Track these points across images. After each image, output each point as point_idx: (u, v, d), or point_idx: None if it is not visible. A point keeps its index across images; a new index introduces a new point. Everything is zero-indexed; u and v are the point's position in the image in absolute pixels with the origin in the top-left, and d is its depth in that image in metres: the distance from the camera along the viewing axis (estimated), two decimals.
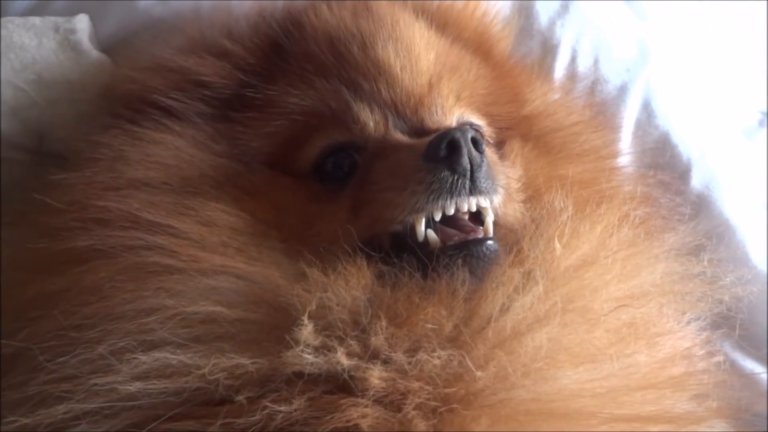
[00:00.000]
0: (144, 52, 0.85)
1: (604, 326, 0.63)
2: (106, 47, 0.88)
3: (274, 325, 0.59)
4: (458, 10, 0.87)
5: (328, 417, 0.54)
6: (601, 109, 0.99)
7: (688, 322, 0.75)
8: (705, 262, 0.78)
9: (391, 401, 0.56)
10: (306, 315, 0.57)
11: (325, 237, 0.68)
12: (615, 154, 0.94)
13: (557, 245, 0.66)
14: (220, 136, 0.74)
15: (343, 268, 0.61)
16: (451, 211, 0.64)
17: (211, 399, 0.57)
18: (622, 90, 1.02)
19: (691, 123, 1.03)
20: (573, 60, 1.02)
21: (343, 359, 0.56)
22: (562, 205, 0.71)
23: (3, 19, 0.82)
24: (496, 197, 0.67)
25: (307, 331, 0.57)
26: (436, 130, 0.71)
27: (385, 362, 0.57)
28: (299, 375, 0.56)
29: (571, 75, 1.02)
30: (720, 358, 0.80)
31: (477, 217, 0.67)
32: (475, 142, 0.65)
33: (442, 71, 0.77)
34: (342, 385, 0.57)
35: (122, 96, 0.78)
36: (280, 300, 0.60)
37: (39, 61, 0.79)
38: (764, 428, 0.90)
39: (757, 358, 0.93)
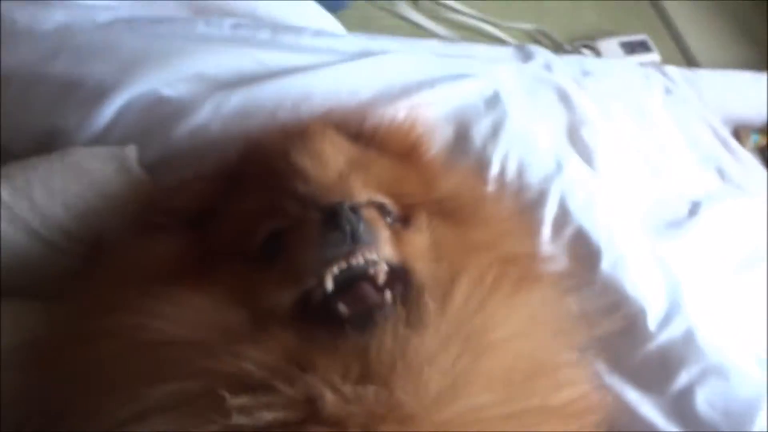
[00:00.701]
0: (175, 174, 1.11)
1: (499, 357, 0.75)
2: (148, 169, 1.12)
3: (216, 394, 0.68)
4: (385, 129, 1.08)
5: None
6: (524, 209, 1.23)
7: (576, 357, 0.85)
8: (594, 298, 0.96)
9: (340, 425, 0.67)
10: (230, 382, 0.68)
11: (266, 301, 0.80)
12: (524, 225, 1.13)
13: (428, 300, 0.78)
14: (192, 242, 0.93)
15: (268, 333, 0.74)
16: (344, 265, 0.78)
17: None
18: (542, 194, 1.25)
19: (599, 216, 1.25)
20: (502, 171, 1.27)
21: (267, 414, 0.66)
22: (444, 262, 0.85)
23: (73, 149, 1.07)
24: (380, 247, 0.81)
25: (236, 398, 0.67)
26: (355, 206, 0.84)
27: (334, 391, 0.68)
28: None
29: (501, 183, 1.26)
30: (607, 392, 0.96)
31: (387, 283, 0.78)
32: (353, 209, 0.80)
33: (351, 168, 0.92)
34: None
35: (136, 213, 1.02)
36: (215, 368, 0.70)
37: (101, 181, 1.03)
38: None
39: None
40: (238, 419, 0.65)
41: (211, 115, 1.18)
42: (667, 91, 1.77)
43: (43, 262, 1.01)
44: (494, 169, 1.27)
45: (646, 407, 1.11)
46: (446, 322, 0.77)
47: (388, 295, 0.80)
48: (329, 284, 0.77)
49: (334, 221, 0.78)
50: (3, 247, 1.01)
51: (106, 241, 1.03)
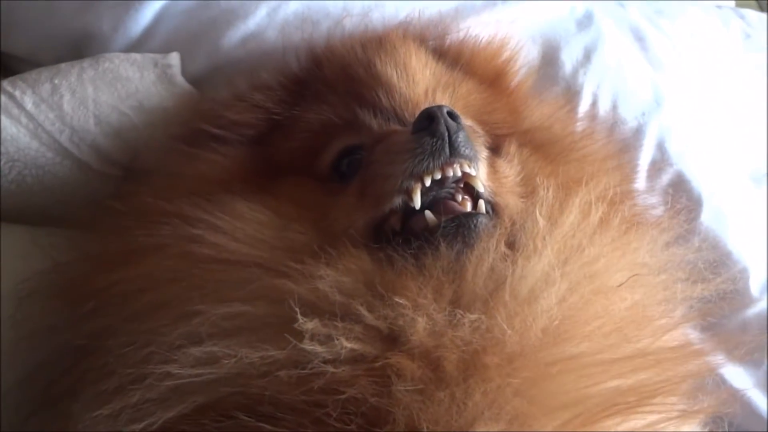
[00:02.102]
0: (222, 88, 0.98)
1: (607, 304, 0.67)
2: (193, 81, 1.00)
3: (286, 318, 0.62)
4: (471, 49, 0.97)
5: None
6: (621, 146, 1.08)
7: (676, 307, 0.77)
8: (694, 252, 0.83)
9: (430, 357, 0.60)
10: (302, 305, 0.61)
11: (338, 224, 0.74)
12: (622, 167, 1.01)
13: (539, 217, 0.70)
14: (254, 156, 0.86)
15: (342, 254, 0.67)
16: (438, 176, 0.70)
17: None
18: (638, 131, 1.11)
19: (702, 163, 1.12)
20: (594, 104, 1.12)
21: (345, 343, 0.60)
22: (547, 188, 0.75)
23: (108, 55, 0.96)
24: (479, 165, 0.74)
25: (310, 322, 0.61)
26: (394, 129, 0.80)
27: (429, 317, 0.61)
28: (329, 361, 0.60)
29: (592, 116, 1.11)
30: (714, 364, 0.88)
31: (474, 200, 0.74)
32: (452, 115, 0.71)
33: (437, 85, 0.86)
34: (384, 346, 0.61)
35: (183, 125, 0.92)
36: (285, 289, 0.64)
37: (141, 91, 0.92)
38: None
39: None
40: (311, 346, 0.59)
41: (266, 20, 1.05)
42: (746, 36, 1.58)
43: (70, 183, 0.90)
44: (585, 100, 1.13)
45: (740, 378, 1.00)
46: (553, 252, 0.68)
47: (482, 204, 0.72)
48: (417, 201, 0.70)
49: (430, 127, 0.71)
50: (26, 165, 0.88)
51: (143, 162, 0.90)
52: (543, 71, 1.12)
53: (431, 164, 0.70)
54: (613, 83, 1.15)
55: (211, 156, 0.85)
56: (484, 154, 0.77)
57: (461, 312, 0.61)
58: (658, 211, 1.07)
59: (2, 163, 0.88)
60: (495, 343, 0.60)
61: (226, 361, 0.61)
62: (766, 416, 0.97)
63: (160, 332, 0.64)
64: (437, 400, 0.57)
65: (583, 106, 1.12)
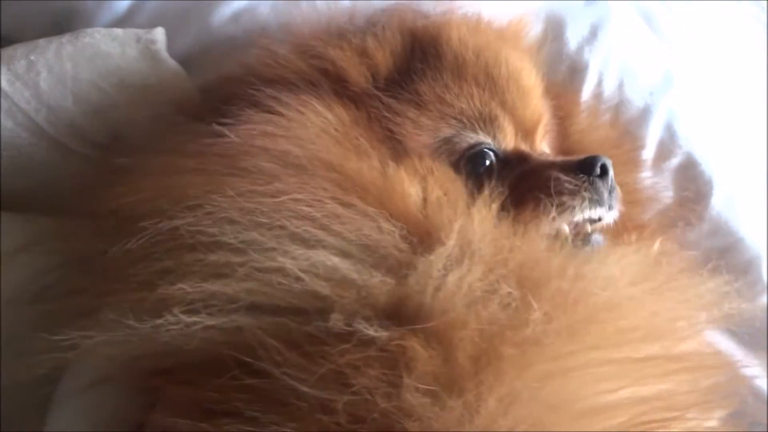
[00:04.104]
0: (214, 67, 0.92)
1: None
2: (179, 61, 0.95)
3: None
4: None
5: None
6: (626, 129, 1.05)
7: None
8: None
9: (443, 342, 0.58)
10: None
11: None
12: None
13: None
14: (366, 118, 0.80)
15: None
16: (597, 216, 0.80)
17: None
18: (646, 112, 1.07)
19: (712, 145, 1.07)
20: (599, 83, 1.08)
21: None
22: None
23: (89, 30, 0.90)
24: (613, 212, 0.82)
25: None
26: (539, 154, 0.86)
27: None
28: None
29: (597, 96, 1.07)
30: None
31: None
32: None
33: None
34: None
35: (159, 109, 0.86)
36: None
37: (122, 68, 0.87)
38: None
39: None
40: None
41: None
42: (758, 20, 1.51)
43: (47, 166, 0.85)
44: (591, 79, 1.08)
45: (752, 368, 0.93)
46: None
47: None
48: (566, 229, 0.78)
49: (602, 177, 0.80)
50: (2, 146, 0.83)
51: (125, 142, 0.85)
52: (547, 48, 1.07)
53: (598, 210, 0.79)
54: (620, 62, 1.10)
55: (316, 108, 0.77)
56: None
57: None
58: (667, 194, 1.04)
59: None
60: (518, 325, 0.59)
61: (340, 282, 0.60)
62: None
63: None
64: (449, 407, 0.54)
65: (588, 85, 1.08)
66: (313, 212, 0.63)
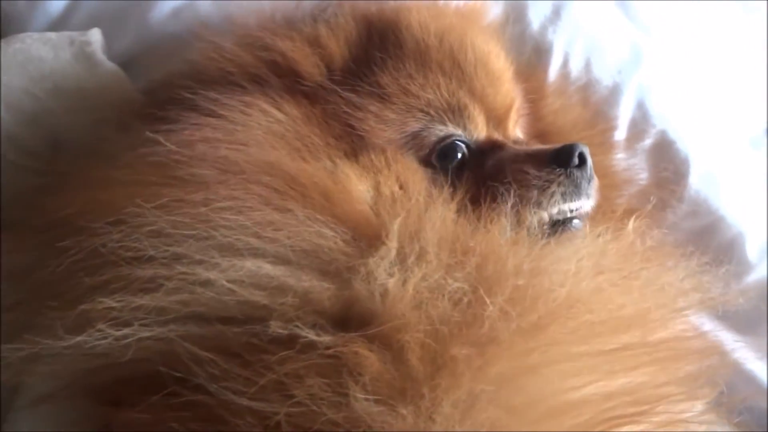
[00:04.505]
0: (159, 66, 0.88)
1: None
2: (120, 62, 0.91)
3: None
4: None
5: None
6: (597, 109, 1.02)
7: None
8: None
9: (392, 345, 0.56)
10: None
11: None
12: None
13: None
14: (321, 114, 0.76)
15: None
16: (573, 208, 0.76)
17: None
18: (615, 91, 1.03)
19: (687, 122, 1.04)
20: (565, 63, 1.04)
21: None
22: None
23: (21, 35, 0.86)
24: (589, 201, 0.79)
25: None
26: (513, 141, 0.83)
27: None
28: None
29: (564, 77, 1.03)
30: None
31: None
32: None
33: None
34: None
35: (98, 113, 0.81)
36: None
37: (56, 72, 0.83)
38: (760, 423, 0.88)
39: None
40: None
41: None
42: None
43: None
44: (556, 59, 1.04)
45: (740, 350, 0.92)
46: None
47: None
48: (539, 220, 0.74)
49: (580, 168, 0.76)
50: None
51: (66, 150, 0.81)
52: (510, 30, 1.03)
53: (574, 202, 0.76)
54: (585, 40, 1.06)
55: (266, 108, 0.73)
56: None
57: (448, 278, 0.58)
58: (643, 174, 1.00)
59: None
60: (472, 323, 0.56)
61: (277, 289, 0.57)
62: (766, 386, 0.91)
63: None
64: (401, 415, 0.51)
65: (554, 66, 1.04)
66: (243, 220, 0.60)
